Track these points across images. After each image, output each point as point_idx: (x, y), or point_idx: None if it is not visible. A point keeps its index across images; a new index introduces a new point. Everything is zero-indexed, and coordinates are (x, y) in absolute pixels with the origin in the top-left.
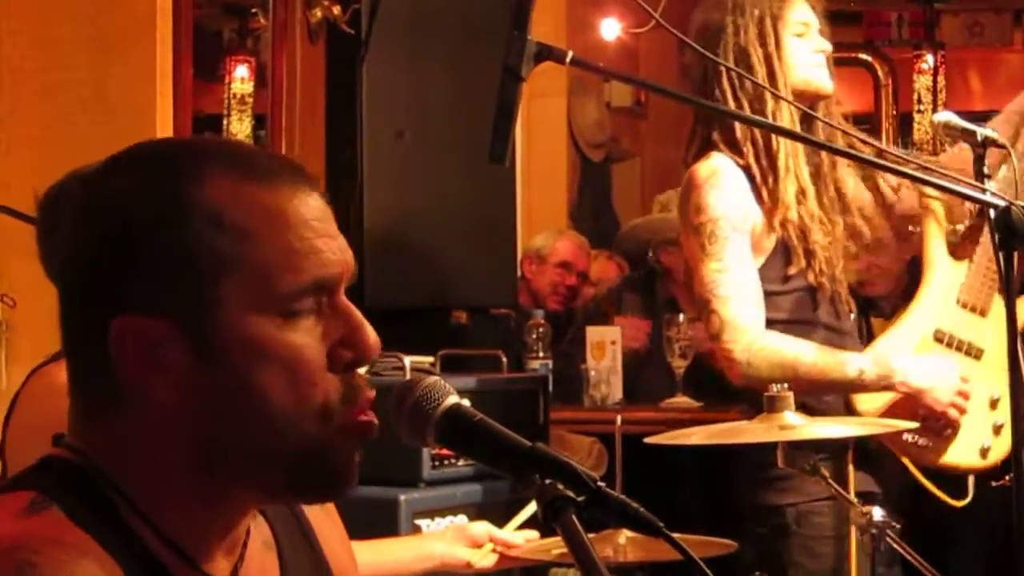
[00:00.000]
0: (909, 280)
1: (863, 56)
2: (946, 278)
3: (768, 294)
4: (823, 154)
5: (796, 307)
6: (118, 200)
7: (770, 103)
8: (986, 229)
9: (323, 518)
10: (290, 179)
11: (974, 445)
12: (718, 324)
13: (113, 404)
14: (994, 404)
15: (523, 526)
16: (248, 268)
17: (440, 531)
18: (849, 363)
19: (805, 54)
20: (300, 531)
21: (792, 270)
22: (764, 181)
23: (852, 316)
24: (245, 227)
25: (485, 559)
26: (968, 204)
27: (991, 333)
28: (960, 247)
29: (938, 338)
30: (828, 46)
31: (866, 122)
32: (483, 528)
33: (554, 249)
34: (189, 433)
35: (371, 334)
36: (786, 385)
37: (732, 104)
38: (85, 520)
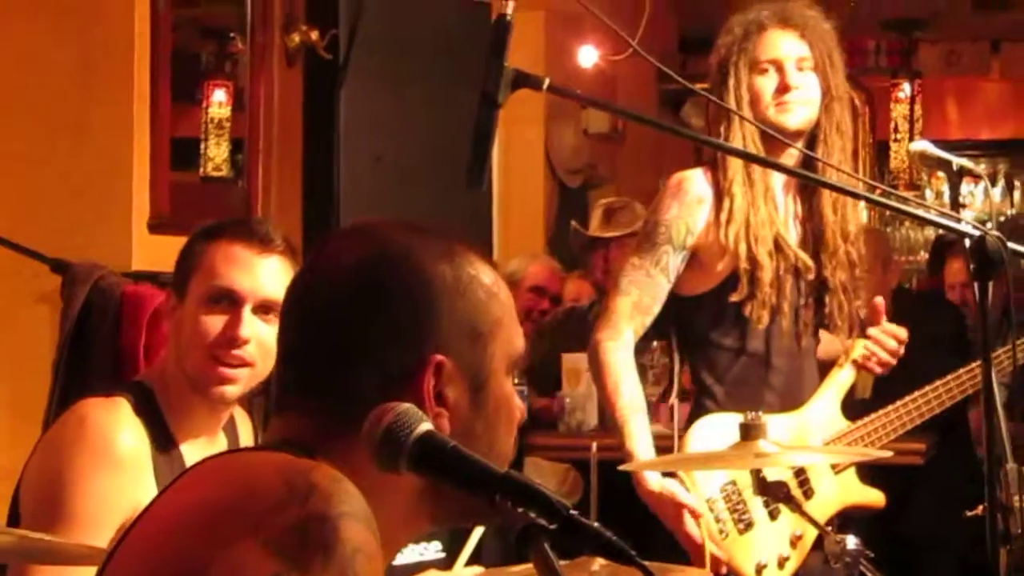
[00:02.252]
0: (895, 310)
1: None
2: (826, 416)
3: (719, 319)
4: (799, 182)
5: (745, 339)
6: (419, 276)
7: (737, 134)
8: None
9: None
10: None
11: (753, 558)
12: (602, 306)
13: (356, 426)
14: (794, 542)
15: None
16: (505, 331)
17: None
18: (628, 435)
19: (766, 94)
20: None
21: (734, 297)
22: (719, 213)
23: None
24: (499, 297)
25: None
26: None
27: (830, 487)
28: (855, 409)
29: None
30: (798, 83)
31: None
32: None
33: (527, 274)
34: None
35: None
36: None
37: (723, 132)
38: None
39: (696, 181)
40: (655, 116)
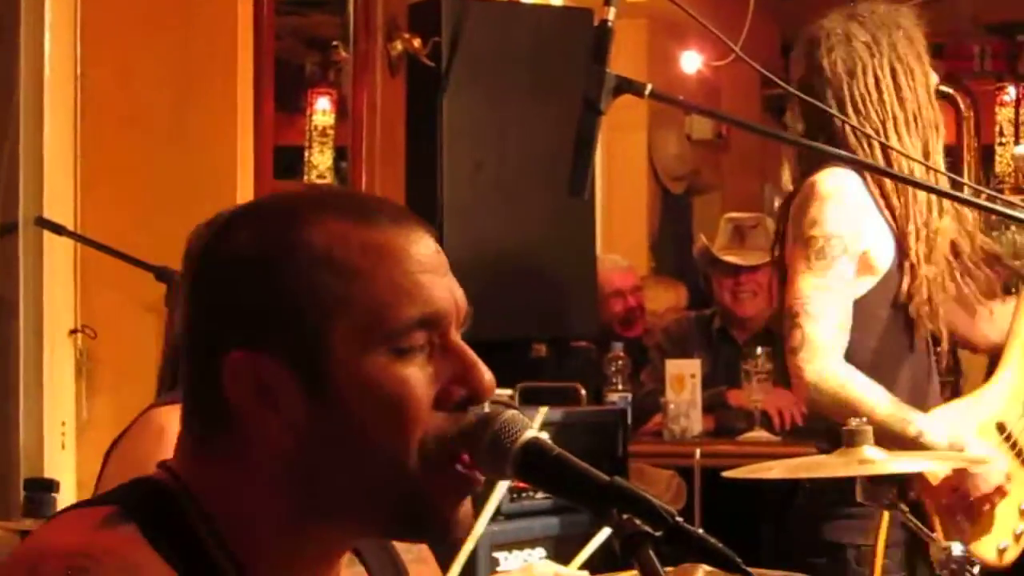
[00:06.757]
0: None
1: (945, 88)
2: (1022, 375)
3: (868, 318)
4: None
5: (891, 337)
6: (235, 246)
7: (900, 138)
8: None
9: (421, 566)
10: (400, 220)
11: (995, 543)
12: (799, 339)
13: (223, 440)
14: (1023, 513)
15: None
16: (358, 306)
17: None
18: (912, 423)
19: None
20: None
21: (899, 299)
22: (895, 201)
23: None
24: (353, 266)
25: None
26: None
27: None
28: None
29: (1000, 428)
30: (936, 77)
31: (949, 154)
32: (549, 569)
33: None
34: (298, 474)
35: (485, 373)
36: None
37: (855, 141)
38: (161, 543)
39: (852, 182)
40: (758, 121)
